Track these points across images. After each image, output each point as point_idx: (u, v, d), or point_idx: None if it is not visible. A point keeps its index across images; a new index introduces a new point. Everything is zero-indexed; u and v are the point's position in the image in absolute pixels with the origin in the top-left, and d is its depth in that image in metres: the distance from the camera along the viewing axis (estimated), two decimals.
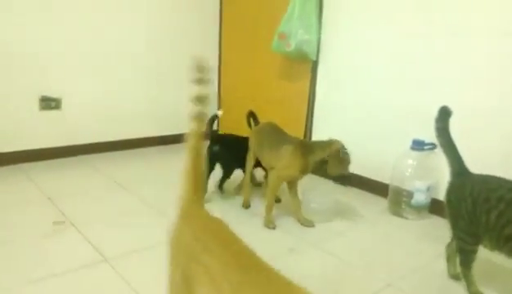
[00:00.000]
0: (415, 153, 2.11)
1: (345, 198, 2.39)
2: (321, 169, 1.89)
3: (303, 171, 1.91)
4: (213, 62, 3.51)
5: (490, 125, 1.95)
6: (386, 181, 2.29)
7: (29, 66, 2.58)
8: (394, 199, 2.20)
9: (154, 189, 2.34)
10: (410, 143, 2.12)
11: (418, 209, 2.14)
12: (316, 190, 2.36)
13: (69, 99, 2.77)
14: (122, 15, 2.92)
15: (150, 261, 1.59)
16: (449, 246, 1.57)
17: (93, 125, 2.92)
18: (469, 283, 1.44)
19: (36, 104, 2.65)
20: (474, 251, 1.41)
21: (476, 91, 1.99)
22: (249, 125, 2.31)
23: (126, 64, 3.02)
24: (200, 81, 0.95)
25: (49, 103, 2.69)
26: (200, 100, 0.96)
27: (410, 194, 2.12)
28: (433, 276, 1.60)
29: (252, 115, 2.32)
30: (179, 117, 3.36)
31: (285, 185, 2.04)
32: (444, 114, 1.48)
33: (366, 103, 2.49)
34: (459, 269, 1.49)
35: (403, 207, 2.15)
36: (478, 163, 1.50)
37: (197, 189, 0.97)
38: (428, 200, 2.14)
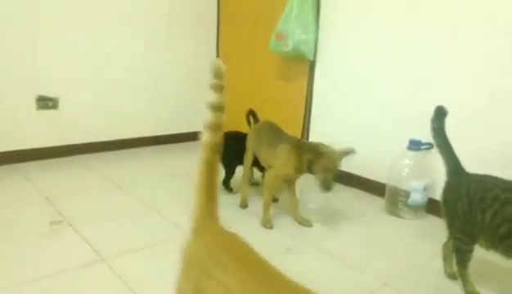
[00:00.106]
0: (411, 153, 2.12)
1: (342, 198, 2.40)
2: (309, 169, 1.87)
3: (299, 171, 1.91)
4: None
5: (486, 125, 1.96)
6: (383, 181, 2.29)
7: (26, 66, 2.57)
8: (391, 199, 2.21)
9: (150, 189, 2.34)
10: (406, 143, 2.13)
11: (415, 209, 2.15)
12: (313, 190, 2.37)
13: (67, 98, 2.77)
14: (119, 15, 2.92)
15: (147, 261, 1.59)
16: (445, 245, 1.58)
17: (90, 125, 2.92)
18: (466, 283, 1.45)
19: (33, 104, 2.64)
20: (470, 251, 1.42)
21: (472, 91, 2.00)
22: (249, 123, 2.31)
23: (123, 64, 3.01)
24: (217, 87, 0.86)
25: (46, 102, 2.68)
26: (216, 108, 0.87)
27: (407, 194, 2.13)
28: (429, 275, 1.61)
29: (252, 113, 2.33)
30: (175, 117, 3.38)
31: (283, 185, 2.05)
32: (440, 114, 1.49)
33: (363, 103, 2.50)
34: (455, 269, 1.50)
35: (400, 206, 2.16)
36: (473, 163, 1.51)
37: (211, 202, 0.91)
38: (425, 200, 2.15)
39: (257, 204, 2.13)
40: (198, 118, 3.48)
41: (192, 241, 0.86)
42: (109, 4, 2.85)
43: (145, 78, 3.15)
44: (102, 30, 2.85)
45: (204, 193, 0.90)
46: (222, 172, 2.31)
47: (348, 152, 1.87)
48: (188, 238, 0.87)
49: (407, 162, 2.14)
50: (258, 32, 3.09)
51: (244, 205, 2.16)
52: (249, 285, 0.68)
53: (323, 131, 2.75)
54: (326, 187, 1.81)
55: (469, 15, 1.98)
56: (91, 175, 2.52)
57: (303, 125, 2.83)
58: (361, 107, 2.51)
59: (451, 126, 1.49)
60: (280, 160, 1.92)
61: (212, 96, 0.86)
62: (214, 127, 0.89)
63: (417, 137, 2.09)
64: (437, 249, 1.62)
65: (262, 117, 2.33)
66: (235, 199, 2.20)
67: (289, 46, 2.59)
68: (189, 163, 2.89)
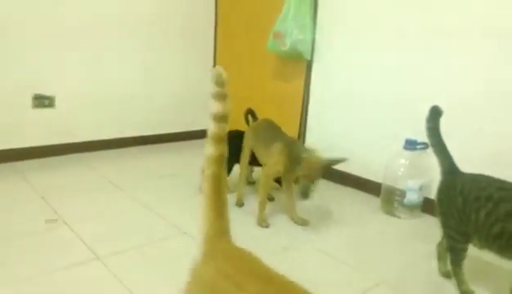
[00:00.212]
0: (407, 153, 2.13)
1: (338, 197, 2.40)
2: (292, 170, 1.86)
3: (290, 170, 1.91)
4: (209, 61, 3.52)
5: (480, 125, 1.97)
6: (379, 180, 2.30)
7: (22, 64, 2.57)
8: (387, 198, 2.21)
9: (146, 188, 2.34)
10: (403, 142, 2.14)
11: (410, 208, 2.15)
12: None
13: (63, 97, 2.76)
14: (117, 14, 2.92)
15: (142, 259, 1.59)
16: (440, 244, 1.59)
17: (87, 123, 2.92)
18: (460, 282, 1.45)
19: (29, 102, 2.64)
20: (464, 250, 1.42)
21: (467, 92, 2.01)
22: (247, 122, 2.31)
23: (121, 62, 3.01)
24: (220, 96, 0.81)
25: (42, 101, 2.68)
26: (220, 118, 0.82)
27: (402, 193, 2.14)
28: (424, 274, 1.61)
29: (250, 112, 2.33)
30: (172, 116, 3.38)
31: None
32: (435, 114, 1.49)
33: (360, 102, 2.51)
34: (449, 268, 1.50)
35: (396, 206, 2.17)
36: (468, 163, 1.52)
37: (221, 219, 0.85)
38: (421, 199, 2.16)
39: (253, 203, 2.13)
40: (195, 117, 3.50)
41: (204, 263, 0.80)
42: (107, 4, 2.85)
43: (142, 77, 3.15)
44: (99, 29, 2.85)
45: (213, 209, 0.85)
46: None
47: (337, 161, 1.85)
48: (199, 260, 0.81)
49: (403, 161, 2.15)
50: (255, 31, 3.09)
51: (240, 204, 2.16)
52: None
53: (320, 131, 2.76)
54: (303, 194, 1.81)
55: (464, 16, 1.99)
56: (87, 174, 2.52)
57: (300, 124, 2.84)
58: (358, 106, 2.52)
59: (446, 126, 1.50)
60: (272, 158, 1.93)
61: (215, 106, 0.81)
62: (218, 139, 0.83)
63: (413, 137, 2.10)
64: (433, 248, 1.62)
65: (259, 116, 2.33)
66: (231, 198, 2.21)
67: (287, 45, 2.60)
68: (186, 162, 2.91)
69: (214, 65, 3.54)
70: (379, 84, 2.39)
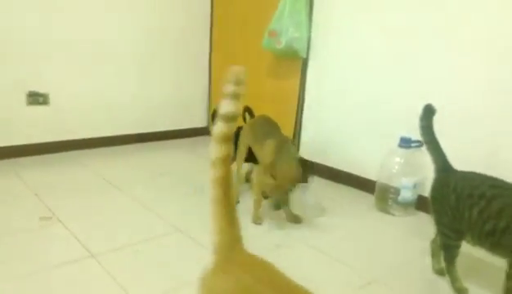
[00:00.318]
0: (402, 151, 2.14)
1: (333, 195, 2.41)
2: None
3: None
4: (204, 59, 3.51)
5: (474, 124, 1.98)
6: (373, 178, 2.31)
7: (16, 61, 2.55)
8: (381, 196, 2.22)
9: (141, 186, 2.34)
10: (397, 140, 2.14)
11: (404, 206, 2.16)
12: (304, 187, 2.38)
13: (57, 94, 2.75)
14: (112, 11, 2.90)
15: (137, 258, 1.59)
16: (433, 241, 1.60)
17: (81, 121, 2.90)
18: (454, 279, 1.46)
19: (23, 100, 2.62)
20: (458, 247, 1.43)
21: (461, 91, 2.02)
22: (245, 120, 2.32)
23: (115, 59, 2.99)
24: (236, 96, 0.78)
25: (37, 98, 2.66)
26: (231, 118, 0.79)
27: (397, 191, 2.15)
28: (418, 271, 1.62)
29: (248, 110, 2.33)
30: (167, 114, 3.37)
31: None
32: (428, 112, 1.50)
33: (355, 100, 2.51)
34: (443, 265, 1.51)
35: (390, 203, 2.18)
36: (461, 162, 1.53)
37: (232, 226, 0.80)
38: (415, 197, 2.17)
39: (248, 200, 2.13)
40: (189, 115, 3.49)
41: (217, 274, 0.77)
42: (101, 2, 2.83)
43: (137, 74, 3.14)
44: (92, 28, 2.83)
45: (224, 216, 0.80)
46: None
47: (308, 176, 1.88)
48: (210, 270, 0.77)
49: (398, 159, 2.15)
50: (251, 30, 3.09)
51: (235, 201, 2.16)
52: None
53: (315, 128, 2.76)
54: (275, 206, 1.84)
55: (461, 16, 2.00)
56: (81, 172, 2.51)
57: (296, 122, 2.84)
58: (353, 105, 2.52)
59: (440, 125, 1.51)
60: (265, 156, 1.93)
61: (228, 105, 0.78)
62: (227, 139, 0.79)
63: (408, 135, 2.11)
64: (427, 245, 1.63)
65: (255, 113, 2.33)
66: None
67: (282, 43, 2.59)
68: (181, 160, 2.91)
69: (210, 64, 3.53)
70: (375, 82, 2.40)
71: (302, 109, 2.82)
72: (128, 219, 1.92)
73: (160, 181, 2.45)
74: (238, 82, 0.78)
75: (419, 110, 1.52)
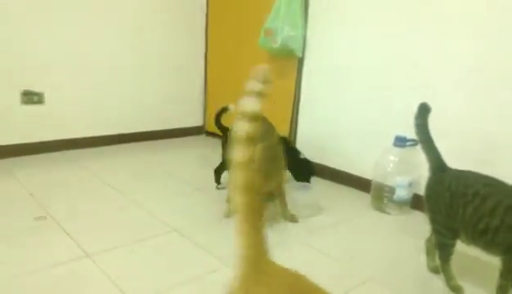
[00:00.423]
0: (397, 150, 2.14)
1: (328, 193, 2.41)
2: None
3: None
4: (200, 58, 3.50)
5: (470, 124, 1.99)
6: (369, 177, 2.32)
7: (10, 60, 2.53)
8: (376, 195, 2.23)
9: (137, 185, 2.33)
10: (392, 139, 2.15)
11: (400, 204, 2.17)
12: (299, 185, 2.39)
13: (52, 93, 2.73)
14: (107, 10, 2.89)
15: (131, 257, 1.59)
16: (428, 240, 1.60)
17: (76, 120, 2.89)
18: (448, 277, 1.47)
19: (18, 99, 2.61)
20: (452, 245, 1.44)
21: (456, 91, 2.03)
22: None
23: (109, 59, 2.98)
24: (261, 94, 0.74)
25: (31, 97, 2.65)
26: (255, 117, 0.74)
27: (392, 190, 2.15)
28: (413, 270, 1.63)
29: None
30: (163, 113, 3.36)
31: None
32: (423, 111, 1.51)
33: (350, 99, 2.52)
34: (438, 263, 1.52)
35: (385, 202, 2.18)
36: (456, 162, 1.53)
37: (259, 236, 0.75)
38: (410, 195, 2.18)
39: None
40: (185, 114, 3.48)
41: (245, 289, 0.72)
42: (96, 1, 2.82)
43: (133, 72, 3.13)
44: (88, 25, 2.82)
45: (250, 224, 0.74)
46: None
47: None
48: (237, 285, 0.73)
49: (393, 158, 2.16)
50: (247, 28, 3.09)
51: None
52: None
53: (310, 128, 2.77)
54: (267, 198, 1.85)
55: (457, 16, 2.01)
56: (76, 171, 2.50)
57: (291, 121, 2.84)
58: (348, 104, 2.53)
59: (435, 125, 1.51)
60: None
61: (253, 104, 0.73)
62: (252, 140, 0.73)
63: (403, 134, 2.11)
64: (422, 244, 1.64)
65: None
66: (222, 194, 2.20)
67: (278, 42, 2.59)
68: (176, 160, 2.90)
69: (206, 62, 3.52)
70: (370, 82, 2.40)
71: (297, 108, 2.82)
72: (123, 218, 1.92)
73: (156, 181, 2.45)
74: (265, 81, 0.74)
75: (415, 109, 1.53)
